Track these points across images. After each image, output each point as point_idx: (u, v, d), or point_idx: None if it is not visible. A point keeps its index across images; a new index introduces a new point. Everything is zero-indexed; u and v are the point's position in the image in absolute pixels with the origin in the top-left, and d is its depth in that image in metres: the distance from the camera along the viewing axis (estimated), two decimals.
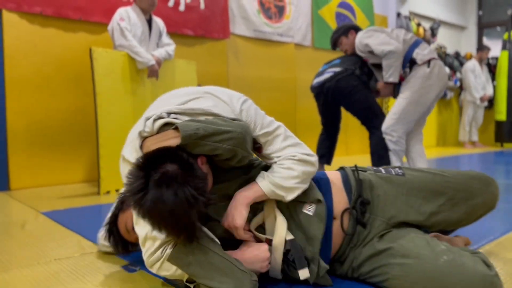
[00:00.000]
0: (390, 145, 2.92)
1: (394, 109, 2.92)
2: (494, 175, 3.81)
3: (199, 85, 1.88)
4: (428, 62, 2.87)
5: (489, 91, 6.90)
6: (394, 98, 3.09)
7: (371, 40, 2.98)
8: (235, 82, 4.64)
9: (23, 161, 3.28)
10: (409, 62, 2.93)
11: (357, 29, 3.29)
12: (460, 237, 1.57)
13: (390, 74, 2.93)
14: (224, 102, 1.22)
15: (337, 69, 3.20)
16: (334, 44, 3.35)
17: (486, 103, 6.97)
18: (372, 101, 3.16)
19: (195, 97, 1.23)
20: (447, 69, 7.11)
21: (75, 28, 3.52)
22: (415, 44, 2.95)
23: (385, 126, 2.93)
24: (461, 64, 7.54)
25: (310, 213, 1.23)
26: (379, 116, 3.09)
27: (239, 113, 1.20)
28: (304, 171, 1.21)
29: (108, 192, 3.01)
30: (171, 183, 0.98)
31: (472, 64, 6.86)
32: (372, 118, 3.12)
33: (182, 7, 4.13)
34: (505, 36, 6.71)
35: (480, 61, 6.90)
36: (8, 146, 3.21)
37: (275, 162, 1.22)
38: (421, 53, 2.89)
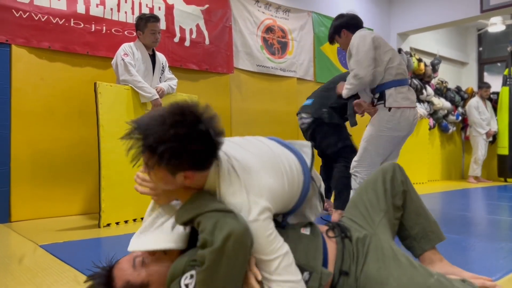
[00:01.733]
0: (353, 184, 2.79)
1: (358, 151, 2.82)
2: (498, 211, 3.77)
3: None
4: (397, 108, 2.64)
5: (494, 127, 6.93)
6: (351, 126, 3.04)
7: (354, 50, 2.72)
8: (238, 115, 4.70)
9: (25, 192, 3.29)
10: (380, 94, 2.70)
11: (351, 27, 2.90)
12: (480, 277, 1.53)
13: (346, 90, 2.76)
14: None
15: (308, 120, 3.37)
16: (331, 41, 3.10)
17: (491, 139, 6.98)
18: (343, 143, 3.27)
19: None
20: (448, 104, 7.16)
21: (81, 63, 3.61)
22: (398, 82, 2.67)
23: (351, 167, 2.81)
24: (462, 98, 7.61)
25: (307, 233, 1.30)
26: (354, 152, 3.04)
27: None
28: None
29: (108, 225, 2.99)
30: None
31: (475, 101, 6.92)
32: (343, 154, 3.22)
33: (187, 43, 4.24)
34: (506, 72, 6.79)
35: (482, 97, 6.96)
36: (11, 177, 3.23)
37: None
38: (394, 96, 2.64)
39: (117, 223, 3.04)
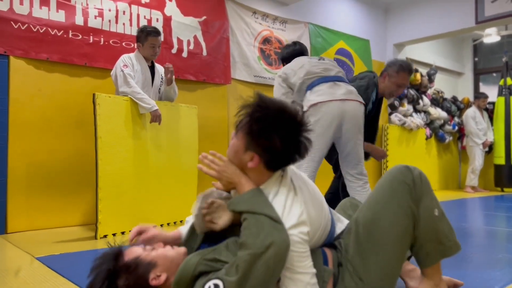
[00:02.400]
0: None
1: None
2: (496, 221, 3.78)
3: None
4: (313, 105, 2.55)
5: (490, 137, 6.96)
6: None
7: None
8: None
9: (21, 203, 3.27)
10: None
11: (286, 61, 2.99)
12: (450, 279, 1.57)
13: None
14: None
15: None
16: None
17: (487, 149, 7.01)
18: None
19: None
20: (445, 114, 7.20)
21: (79, 74, 3.62)
22: (313, 84, 2.62)
23: None
24: (459, 108, 7.66)
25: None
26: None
27: None
28: None
29: (105, 236, 2.98)
30: None
31: (472, 111, 6.96)
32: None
33: (185, 54, 4.26)
34: (501, 82, 6.85)
35: (479, 108, 7.00)
36: (7, 188, 3.22)
37: None
38: (308, 97, 2.61)
39: (114, 234, 3.03)
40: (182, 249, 1.32)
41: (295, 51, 3.06)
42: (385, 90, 2.90)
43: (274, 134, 1.17)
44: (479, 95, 7.08)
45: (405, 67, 2.84)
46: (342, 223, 1.47)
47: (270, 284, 1.13)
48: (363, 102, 2.64)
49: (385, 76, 2.89)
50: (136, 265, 1.22)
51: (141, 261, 1.23)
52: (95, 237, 2.95)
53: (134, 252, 1.27)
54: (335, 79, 2.62)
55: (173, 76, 3.46)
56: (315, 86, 2.60)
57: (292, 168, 1.35)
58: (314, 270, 1.21)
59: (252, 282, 1.09)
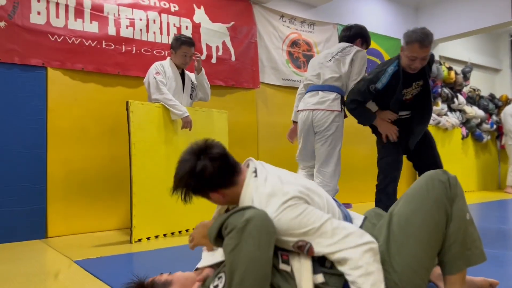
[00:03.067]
0: None
1: None
2: None
3: None
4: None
5: None
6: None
7: None
8: (265, 129, 4.72)
9: (60, 209, 3.40)
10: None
11: (364, 39, 3.30)
12: (485, 279, 1.55)
13: None
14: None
15: None
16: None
17: None
18: None
19: None
20: (481, 112, 6.96)
21: (113, 83, 3.73)
22: (306, 92, 3.19)
23: None
24: (497, 106, 7.38)
25: None
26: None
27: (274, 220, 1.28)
28: (378, 265, 1.24)
29: (139, 240, 3.05)
30: None
31: (511, 108, 6.69)
32: None
33: (214, 60, 4.32)
34: None
35: None
36: (47, 194, 3.35)
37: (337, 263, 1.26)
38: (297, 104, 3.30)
39: (148, 238, 3.10)
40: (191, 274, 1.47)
41: (340, 38, 3.43)
42: (403, 64, 2.76)
43: (192, 181, 1.43)
44: None
45: (414, 38, 2.63)
46: (358, 219, 1.50)
47: (265, 253, 1.19)
48: (336, 109, 2.97)
49: (401, 49, 2.79)
50: (152, 285, 1.38)
51: (157, 283, 1.39)
52: (130, 241, 3.02)
53: (152, 278, 1.42)
54: (319, 88, 3.05)
55: (202, 67, 3.58)
56: (307, 92, 3.16)
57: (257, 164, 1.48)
58: (327, 215, 1.29)
59: (244, 256, 1.17)
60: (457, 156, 6.47)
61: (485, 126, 7.09)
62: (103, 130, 3.65)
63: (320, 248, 1.25)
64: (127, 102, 3.11)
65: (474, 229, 1.36)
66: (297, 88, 5.01)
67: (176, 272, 1.46)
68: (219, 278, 1.27)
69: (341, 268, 1.24)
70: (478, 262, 1.34)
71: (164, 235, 3.20)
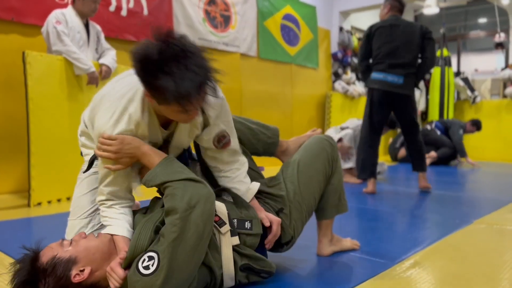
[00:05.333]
0: None
1: None
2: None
3: None
4: None
5: (421, 105, 7.30)
6: None
7: None
8: None
9: None
10: None
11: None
12: (350, 240, 1.84)
13: None
14: None
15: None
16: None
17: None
18: None
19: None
20: None
21: (6, 29, 3.32)
22: None
23: None
24: None
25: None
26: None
27: None
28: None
29: (39, 204, 2.84)
30: None
31: None
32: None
33: (124, 12, 4.02)
34: (438, 53, 7.15)
35: None
36: None
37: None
38: None
39: (49, 202, 2.90)
40: (107, 236, 1.25)
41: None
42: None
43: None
44: None
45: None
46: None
47: (201, 248, 1.17)
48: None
49: None
50: (54, 266, 1.13)
51: (59, 260, 1.14)
52: (28, 205, 2.80)
53: (51, 252, 1.16)
54: None
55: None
56: None
57: None
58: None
59: (185, 247, 1.12)
60: None
61: None
62: None
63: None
64: (23, 53, 2.81)
65: (343, 185, 1.71)
66: (213, 49, 4.93)
67: (79, 240, 1.21)
68: (150, 259, 1.12)
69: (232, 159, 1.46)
70: (344, 211, 1.71)
71: (68, 198, 3.01)
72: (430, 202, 3.09)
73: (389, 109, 3.42)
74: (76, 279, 1.14)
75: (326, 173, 1.61)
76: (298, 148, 1.70)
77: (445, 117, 6.92)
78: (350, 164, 4.05)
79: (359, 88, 6.79)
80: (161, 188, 1.22)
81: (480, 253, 1.80)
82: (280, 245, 1.51)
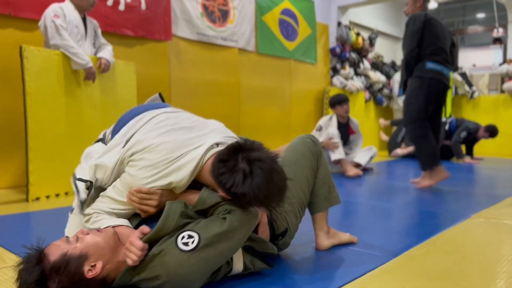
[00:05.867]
0: None
1: None
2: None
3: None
4: None
5: None
6: None
7: None
8: (177, 85, 4.57)
9: None
10: None
11: None
12: (348, 234, 1.85)
13: None
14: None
15: None
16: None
17: None
18: None
19: None
20: (384, 78, 7.45)
21: (3, 24, 3.30)
22: None
23: None
24: (397, 72, 7.95)
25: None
26: None
27: None
28: None
29: (37, 199, 2.84)
30: None
31: (398, 75, 7.22)
32: None
33: (122, 7, 4.00)
34: None
35: None
36: None
37: None
38: None
39: (47, 197, 2.90)
40: (110, 230, 1.25)
41: None
42: None
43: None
44: None
45: None
46: None
47: (235, 250, 1.30)
48: None
49: None
50: (66, 264, 1.11)
51: (71, 257, 1.12)
52: (27, 200, 2.80)
53: (59, 250, 1.14)
54: None
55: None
56: None
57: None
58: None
59: (225, 244, 1.22)
60: (359, 119, 6.87)
61: (386, 91, 7.63)
62: None
63: None
64: (20, 47, 2.79)
65: (333, 180, 1.76)
66: (212, 44, 4.91)
67: (84, 236, 1.19)
68: (190, 237, 1.19)
69: None
70: (336, 203, 1.74)
71: (66, 193, 3.01)
72: (427, 196, 3.09)
73: (440, 100, 3.49)
74: (89, 275, 1.13)
75: (313, 168, 1.67)
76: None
77: (443, 113, 6.92)
78: (338, 155, 4.15)
79: (357, 83, 6.78)
80: (212, 209, 1.29)
81: (477, 247, 1.81)
82: (275, 236, 1.53)
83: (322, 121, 4.54)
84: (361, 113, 6.98)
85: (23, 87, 2.79)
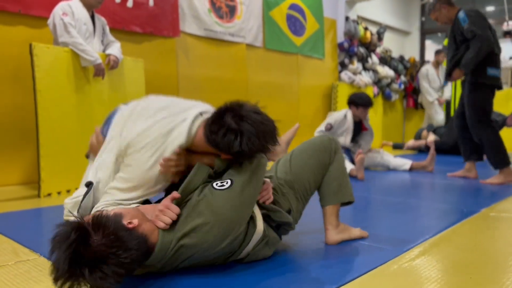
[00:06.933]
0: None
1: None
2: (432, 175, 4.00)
3: None
4: None
5: (446, 94, 7.14)
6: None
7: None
8: (185, 81, 4.58)
9: None
10: None
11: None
12: (359, 229, 1.85)
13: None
14: None
15: None
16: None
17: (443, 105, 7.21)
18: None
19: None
20: (392, 72, 7.39)
21: (13, 22, 3.33)
22: None
23: None
24: (405, 67, 7.88)
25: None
26: None
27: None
28: None
29: (49, 195, 2.87)
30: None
31: (425, 70, 7.05)
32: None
33: (130, 3, 4.02)
34: (445, 42, 7.08)
35: (437, 64, 7.08)
36: None
37: None
38: None
39: (58, 193, 2.93)
40: (132, 206, 1.35)
41: None
42: None
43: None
44: (439, 50, 7.15)
45: None
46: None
47: (258, 194, 1.43)
48: None
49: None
50: (106, 218, 1.11)
51: (108, 214, 1.14)
52: (38, 195, 2.83)
53: (92, 214, 1.15)
54: None
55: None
56: None
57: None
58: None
59: (254, 185, 1.38)
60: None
61: (394, 86, 7.58)
62: (4, 75, 3.28)
63: None
64: (30, 45, 2.82)
65: (348, 178, 1.76)
66: (219, 40, 4.91)
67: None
68: (222, 182, 1.34)
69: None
70: (347, 199, 1.73)
71: (76, 189, 3.03)
72: (437, 191, 3.08)
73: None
74: (130, 226, 1.16)
75: (322, 161, 1.69)
76: (286, 146, 1.84)
77: (452, 106, 6.85)
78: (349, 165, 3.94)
79: (366, 78, 6.75)
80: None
81: (489, 241, 1.80)
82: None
83: (333, 120, 4.14)
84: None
85: (34, 84, 2.82)
